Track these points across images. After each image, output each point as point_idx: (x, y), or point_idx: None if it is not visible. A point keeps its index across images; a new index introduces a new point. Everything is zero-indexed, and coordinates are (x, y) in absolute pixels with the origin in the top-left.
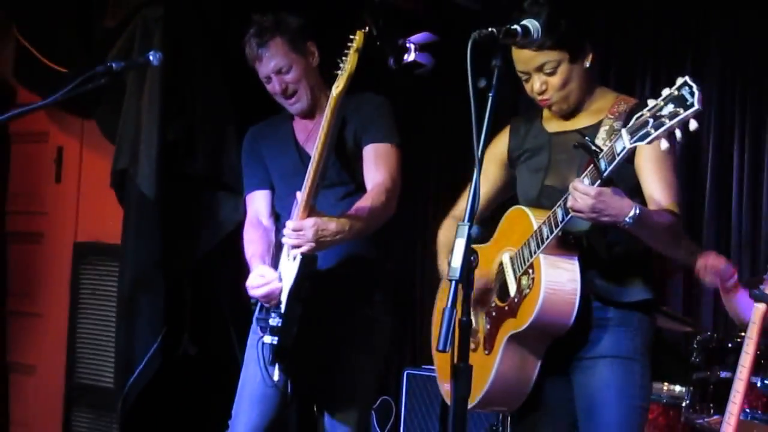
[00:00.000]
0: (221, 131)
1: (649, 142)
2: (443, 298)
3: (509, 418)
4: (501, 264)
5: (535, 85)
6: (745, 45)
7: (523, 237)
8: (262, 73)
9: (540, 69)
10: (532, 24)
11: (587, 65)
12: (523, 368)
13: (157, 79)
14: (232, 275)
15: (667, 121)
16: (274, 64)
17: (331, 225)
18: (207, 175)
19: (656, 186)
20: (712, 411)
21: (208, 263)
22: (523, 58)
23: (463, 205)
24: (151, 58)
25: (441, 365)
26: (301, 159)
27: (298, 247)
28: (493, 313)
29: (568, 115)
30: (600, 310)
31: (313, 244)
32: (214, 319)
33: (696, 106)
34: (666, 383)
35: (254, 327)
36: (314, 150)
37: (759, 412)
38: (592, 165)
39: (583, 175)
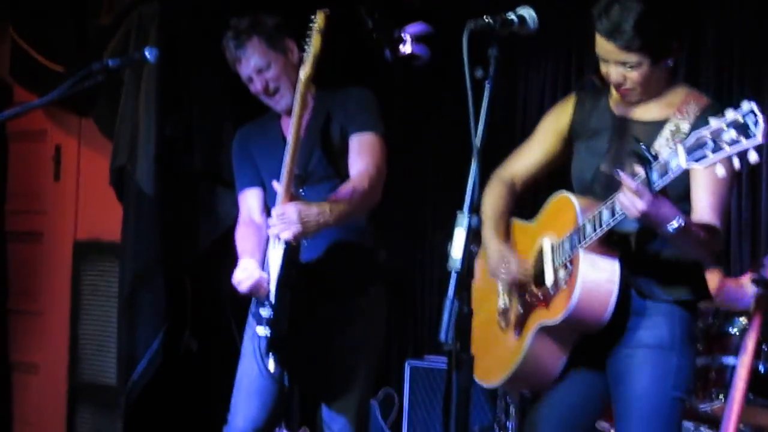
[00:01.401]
0: (218, 127)
1: (706, 165)
2: (479, 284)
3: (512, 408)
4: (541, 249)
5: (612, 75)
6: (742, 30)
7: (566, 228)
8: (244, 74)
9: (621, 64)
10: (528, 13)
11: (670, 64)
12: (551, 357)
13: (154, 75)
14: (232, 270)
15: (726, 147)
16: (253, 64)
17: (313, 209)
18: (205, 171)
19: (706, 202)
20: (714, 397)
21: (208, 259)
22: (606, 48)
23: (513, 166)
24: (147, 54)
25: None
26: None
27: (286, 232)
28: (528, 298)
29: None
30: (639, 301)
31: (298, 227)
32: (216, 314)
33: (758, 140)
34: None
35: (250, 321)
36: (289, 135)
37: (762, 397)
38: (643, 172)
39: (637, 177)
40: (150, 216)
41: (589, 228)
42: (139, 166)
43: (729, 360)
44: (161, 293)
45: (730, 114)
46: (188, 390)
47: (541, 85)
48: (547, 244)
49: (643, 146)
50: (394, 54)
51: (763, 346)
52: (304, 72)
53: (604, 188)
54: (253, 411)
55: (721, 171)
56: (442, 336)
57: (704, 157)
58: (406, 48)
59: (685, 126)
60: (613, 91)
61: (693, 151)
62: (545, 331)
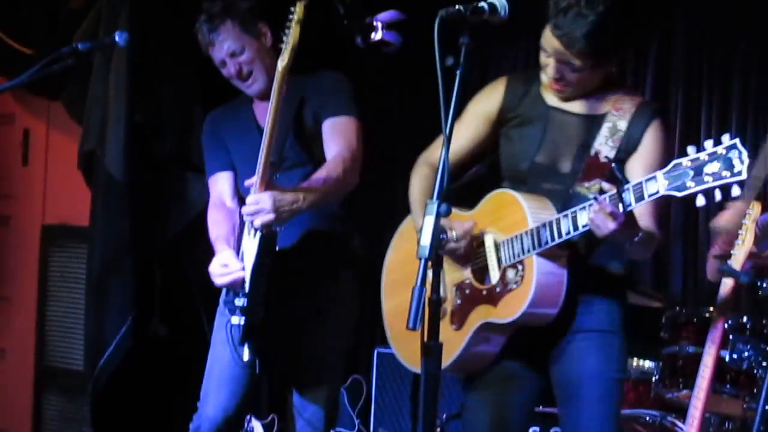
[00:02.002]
0: (189, 112)
1: (684, 196)
2: (400, 267)
3: None
4: (483, 244)
5: (550, 69)
6: (712, 24)
7: (514, 227)
8: (217, 57)
9: (562, 62)
10: (499, 1)
11: (611, 69)
12: (491, 347)
13: (124, 59)
14: (202, 256)
15: (709, 180)
16: (227, 47)
17: (287, 196)
18: (175, 156)
19: (649, 213)
20: (681, 386)
21: (177, 244)
22: (552, 44)
23: (438, 151)
24: (117, 38)
25: (397, 336)
26: (262, 140)
27: (260, 219)
28: (467, 291)
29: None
30: (579, 289)
31: (272, 215)
32: (184, 300)
33: (742, 176)
34: (636, 358)
35: (221, 309)
36: (266, 125)
37: (728, 386)
38: (616, 193)
39: (606, 196)
40: (119, 201)
41: (545, 234)
42: (109, 150)
43: (695, 349)
44: (130, 279)
45: (710, 145)
46: (156, 376)
47: (512, 73)
48: (489, 239)
49: (615, 166)
50: (366, 41)
51: (730, 336)
52: (282, 63)
53: (537, 179)
54: (224, 399)
55: (701, 201)
56: (411, 323)
57: (685, 187)
58: (378, 35)
59: (623, 124)
60: (545, 79)
61: (673, 179)
62: (488, 326)
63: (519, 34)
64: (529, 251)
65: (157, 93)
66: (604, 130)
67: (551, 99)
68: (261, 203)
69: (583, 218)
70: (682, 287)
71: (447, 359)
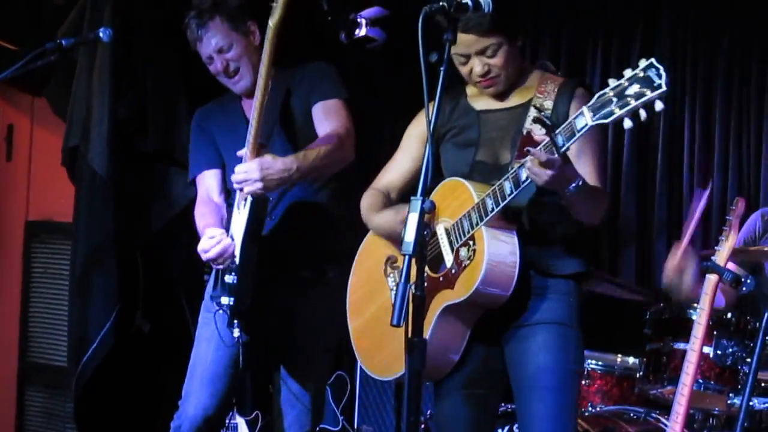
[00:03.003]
0: (173, 108)
1: (613, 121)
2: (361, 284)
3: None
4: (435, 234)
5: (477, 68)
6: (695, 19)
7: (461, 209)
8: (204, 53)
9: (482, 52)
10: None
11: (519, 44)
12: (455, 338)
13: (108, 55)
14: (185, 252)
15: (632, 101)
16: (215, 43)
17: (278, 163)
18: (159, 152)
19: (589, 169)
20: (665, 382)
21: (160, 240)
22: (467, 41)
23: (385, 177)
24: (101, 34)
25: (364, 350)
26: None
27: (248, 186)
28: (424, 284)
29: (497, 94)
30: (537, 279)
31: (260, 183)
32: (168, 296)
33: (663, 87)
34: (619, 354)
35: (206, 304)
36: (257, 89)
37: (711, 382)
38: (549, 140)
39: (540, 147)
40: (103, 197)
41: (489, 203)
42: (92, 146)
43: (679, 345)
44: (113, 274)
45: (629, 71)
46: (139, 372)
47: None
48: (440, 228)
49: (543, 114)
50: (350, 37)
51: (714, 332)
52: (273, 19)
53: (484, 177)
54: (205, 398)
55: (628, 124)
56: (395, 320)
57: (612, 113)
58: (362, 31)
59: (548, 103)
60: (469, 90)
61: (598, 109)
62: (449, 311)
63: None
64: (477, 224)
65: (141, 89)
66: (532, 112)
67: (479, 104)
68: (249, 171)
69: (524, 174)
70: None
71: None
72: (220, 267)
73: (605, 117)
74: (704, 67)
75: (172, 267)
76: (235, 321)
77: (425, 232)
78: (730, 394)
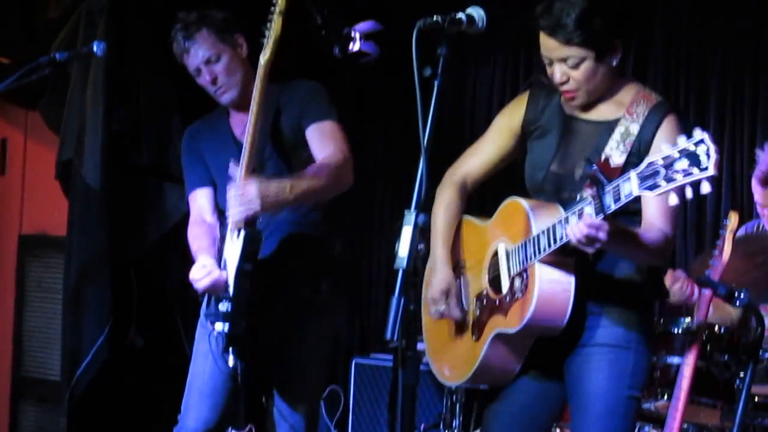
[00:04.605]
0: (166, 122)
1: (659, 194)
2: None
3: (458, 406)
4: (496, 253)
5: (556, 74)
6: (688, 32)
7: (521, 235)
8: (192, 65)
9: (563, 61)
10: (477, 12)
11: (614, 63)
12: (508, 360)
13: (101, 69)
14: (179, 266)
15: (680, 177)
16: (202, 55)
17: (272, 185)
18: (152, 166)
19: (656, 210)
20: (659, 396)
21: (154, 254)
22: (548, 45)
23: (466, 165)
24: (95, 48)
25: (431, 350)
26: (239, 152)
27: (244, 209)
28: (484, 301)
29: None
30: (594, 305)
31: (256, 204)
32: (161, 310)
33: (710, 172)
34: None
35: (202, 321)
36: (248, 123)
37: (705, 396)
38: (596, 195)
39: (587, 203)
40: (96, 210)
41: (543, 241)
42: (86, 160)
43: (673, 359)
44: (107, 288)
45: (682, 140)
46: (133, 386)
47: (490, 84)
48: (501, 249)
49: (595, 167)
50: (343, 51)
51: (708, 346)
52: (264, 57)
53: (554, 188)
54: (205, 412)
55: (674, 200)
56: (388, 334)
57: (657, 186)
58: (356, 45)
59: (635, 128)
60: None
61: (646, 178)
62: (501, 337)
63: (498, 45)
64: (531, 259)
65: (135, 103)
66: (616, 134)
67: (569, 108)
68: (245, 192)
69: (573, 221)
70: None
71: (467, 371)
72: (215, 294)
73: (651, 188)
74: (697, 80)
75: (165, 281)
76: (230, 348)
77: (419, 247)
78: (724, 409)
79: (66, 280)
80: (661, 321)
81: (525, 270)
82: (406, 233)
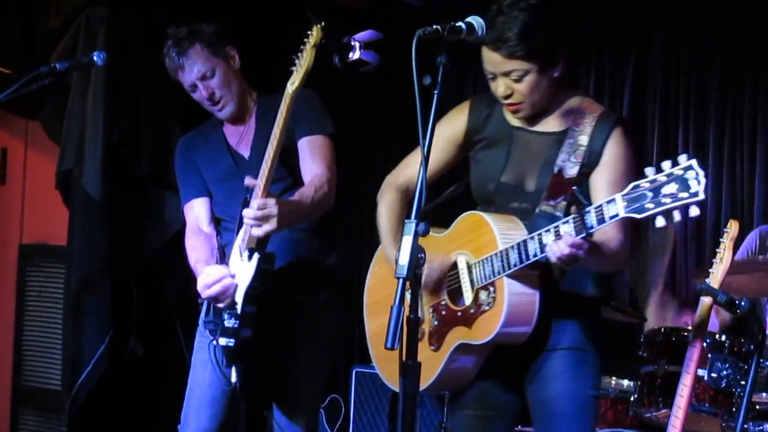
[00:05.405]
0: (166, 131)
1: (645, 218)
2: (379, 289)
3: None
4: (455, 265)
5: (500, 88)
6: (688, 42)
7: (484, 249)
8: (187, 81)
9: (507, 75)
10: (476, 21)
11: (556, 75)
12: (468, 368)
13: (102, 79)
14: (179, 275)
15: (667, 201)
16: (197, 70)
17: (288, 205)
18: (153, 175)
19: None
20: (660, 405)
21: (154, 263)
22: (492, 59)
23: (407, 172)
24: (95, 58)
25: (380, 356)
26: (235, 162)
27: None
28: (443, 312)
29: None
30: (555, 308)
31: (275, 224)
32: (162, 319)
33: (699, 197)
34: (614, 377)
35: (201, 329)
36: (269, 146)
37: (706, 404)
38: (577, 215)
39: (567, 220)
40: (96, 220)
41: (513, 256)
42: (86, 169)
43: (674, 367)
44: (107, 298)
45: (668, 165)
46: (133, 395)
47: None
48: (462, 260)
49: (577, 190)
50: (343, 60)
51: (708, 354)
52: (292, 86)
53: (506, 198)
54: (204, 422)
55: (661, 222)
56: (389, 343)
57: (644, 209)
58: (355, 54)
59: (584, 139)
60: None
61: (632, 201)
62: (464, 348)
63: None
64: (499, 273)
65: (135, 112)
66: (566, 146)
67: (515, 120)
68: (269, 208)
69: (548, 239)
70: None
71: (427, 379)
72: (219, 306)
73: (638, 212)
74: (697, 90)
75: (165, 290)
76: (234, 364)
77: (420, 256)
78: (725, 417)
79: (66, 289)
80: (662, 329)
81: (492, 284)
82: (406, 242)
